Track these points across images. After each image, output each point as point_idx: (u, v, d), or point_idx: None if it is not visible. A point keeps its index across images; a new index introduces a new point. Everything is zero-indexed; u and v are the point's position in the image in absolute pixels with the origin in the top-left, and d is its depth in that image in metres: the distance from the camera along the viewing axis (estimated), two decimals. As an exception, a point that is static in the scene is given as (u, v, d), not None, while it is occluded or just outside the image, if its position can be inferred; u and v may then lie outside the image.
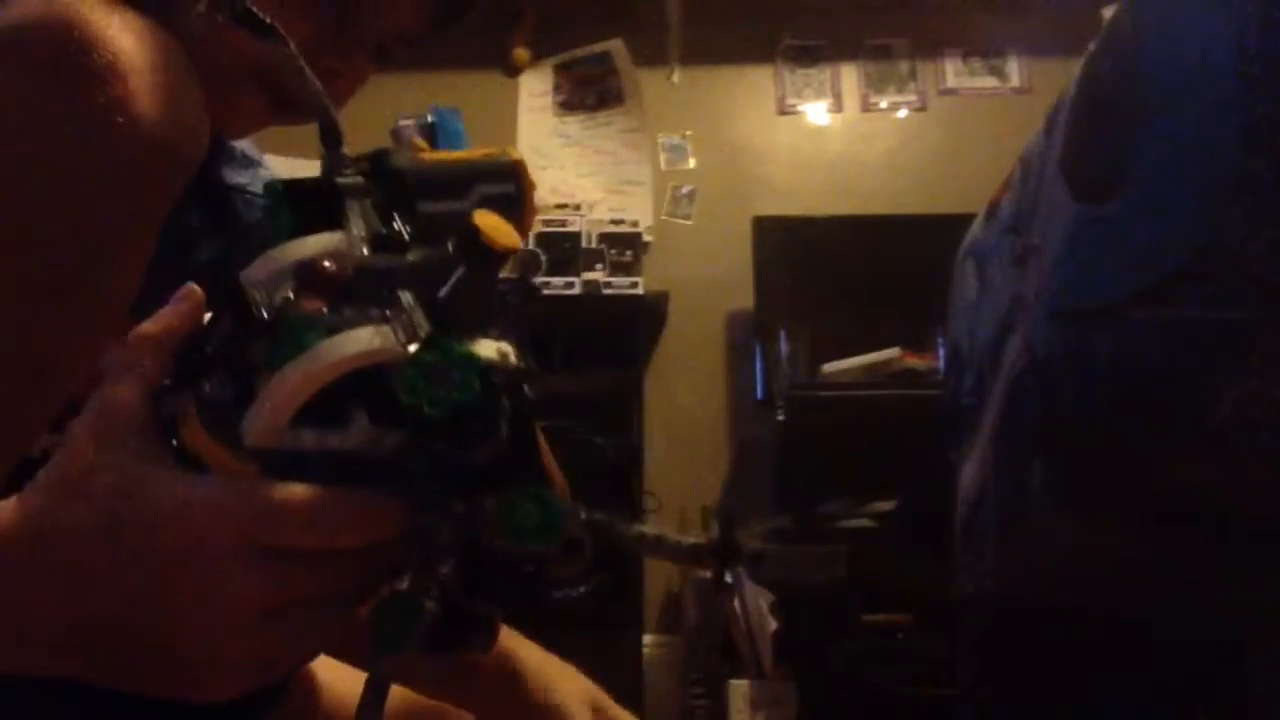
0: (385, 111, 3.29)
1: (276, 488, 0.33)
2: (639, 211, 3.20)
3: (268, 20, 0.38)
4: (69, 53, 0.43)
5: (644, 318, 2.96)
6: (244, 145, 0.73)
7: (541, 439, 0.35)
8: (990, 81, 3.34)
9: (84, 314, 0.48)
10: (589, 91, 3.36)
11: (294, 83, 0.42)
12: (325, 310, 0.34)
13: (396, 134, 3.29)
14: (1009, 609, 0.97)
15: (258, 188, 0.70)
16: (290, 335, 0.33)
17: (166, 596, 0.34)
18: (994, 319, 1.01)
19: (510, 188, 0.42)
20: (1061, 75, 0.90)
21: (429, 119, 3.28)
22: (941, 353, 2.45)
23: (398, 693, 0.71)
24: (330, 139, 0.40)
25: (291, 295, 0.35)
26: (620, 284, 2.92)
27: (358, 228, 0.36)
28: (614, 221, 3.11)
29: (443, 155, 0.53)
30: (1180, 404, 0.66)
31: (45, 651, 0.36)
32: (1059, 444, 0.83)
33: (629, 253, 3.06)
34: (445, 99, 3.31)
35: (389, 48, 0.62)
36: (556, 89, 3.36)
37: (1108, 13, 0.83)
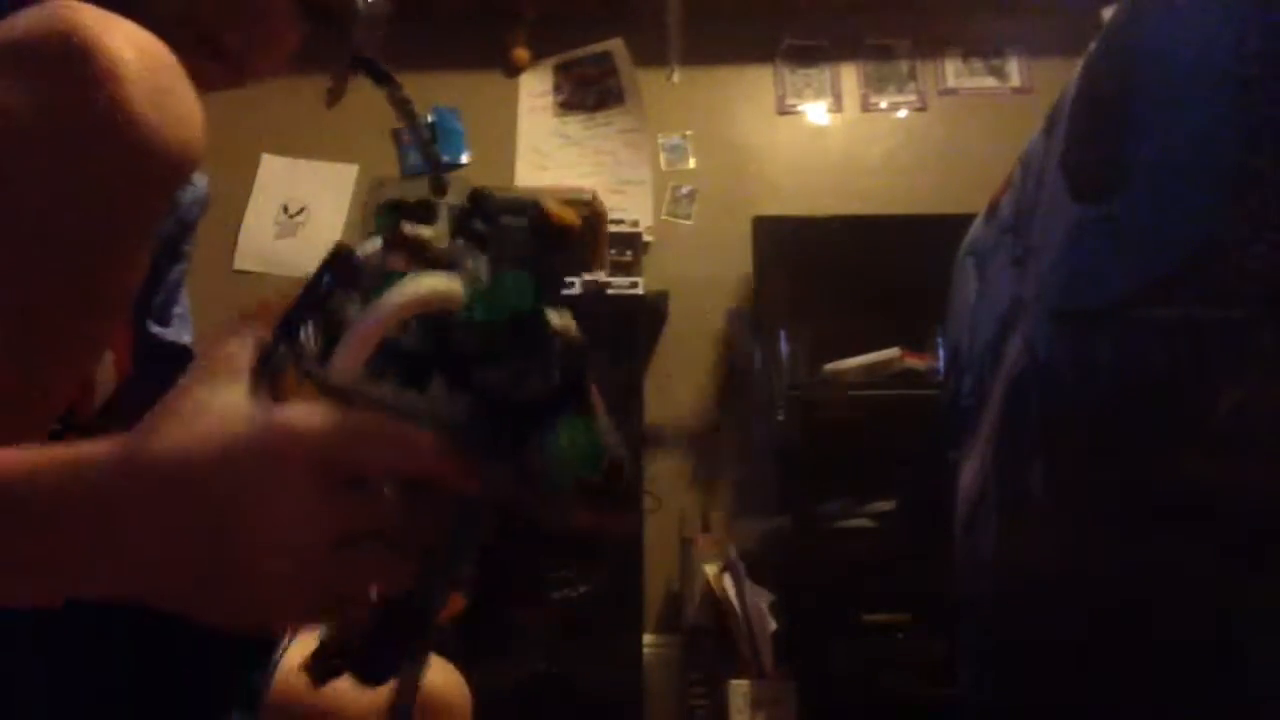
0: (385, 112, 3.29)
1: (349, 413, 0.36)
2: (639, 211, 3.20)
3: (384, 69, 0.42)
4: (71, 60, 0.46)
5: (644, 317, 2.96)
6: None
7: (595, 393, 0.39)
8: (990, 81, 3.33)
9: (85, 304, 0.49)
10: (589, 91, 3.36)
11: (406, 123, 0.47)
12: (409, 267, 0.39)
13: (397, 134, 3.29)
14: (1009, 609, 0.97)
15: (185, 195, 0.72)
16: (375, 285, 0.38)
17: (247, 516, 0.36)
18: (994, 319, 1.01)
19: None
20: (1061, 75, 0.90)
21: (429, 119, 3.28)
22: (941, 353, 2.45)
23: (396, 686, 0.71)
24: (436, 185, 0.48)
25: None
26: (620, 284, 2.91)
27: (444, 224, 0.42)
28: (614, 221, 3.11)
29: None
30: (1180, 404, 0.66)
31: (124, 573, 0.38)
32: (1059, 444, 0.83)
33: (629, 253, 3.06)
34: (445, 99, 3.31)
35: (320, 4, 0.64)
36: (556, 89, 3.36)
37: (1108, 13, 0.83)
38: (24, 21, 0.47)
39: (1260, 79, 0.59)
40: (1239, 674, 0.63)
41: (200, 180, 0.77)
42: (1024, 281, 0.92)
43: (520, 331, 0.37)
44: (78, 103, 0.46)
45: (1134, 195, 0.71)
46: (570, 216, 0.40)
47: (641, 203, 3.25)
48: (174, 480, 0.37)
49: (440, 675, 0.77)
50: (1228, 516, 0.64)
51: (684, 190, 3.28)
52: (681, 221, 3.26)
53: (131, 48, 0.48)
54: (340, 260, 0.39)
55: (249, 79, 0.64)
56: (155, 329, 0.70)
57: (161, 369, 0.60)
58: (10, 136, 0.46)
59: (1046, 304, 0.84)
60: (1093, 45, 0.82)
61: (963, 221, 1.24)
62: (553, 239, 0.40)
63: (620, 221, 3.11)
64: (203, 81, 0.59)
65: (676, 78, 3.36)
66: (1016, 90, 3.30)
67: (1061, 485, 0.83)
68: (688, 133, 3.32)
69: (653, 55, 3.34)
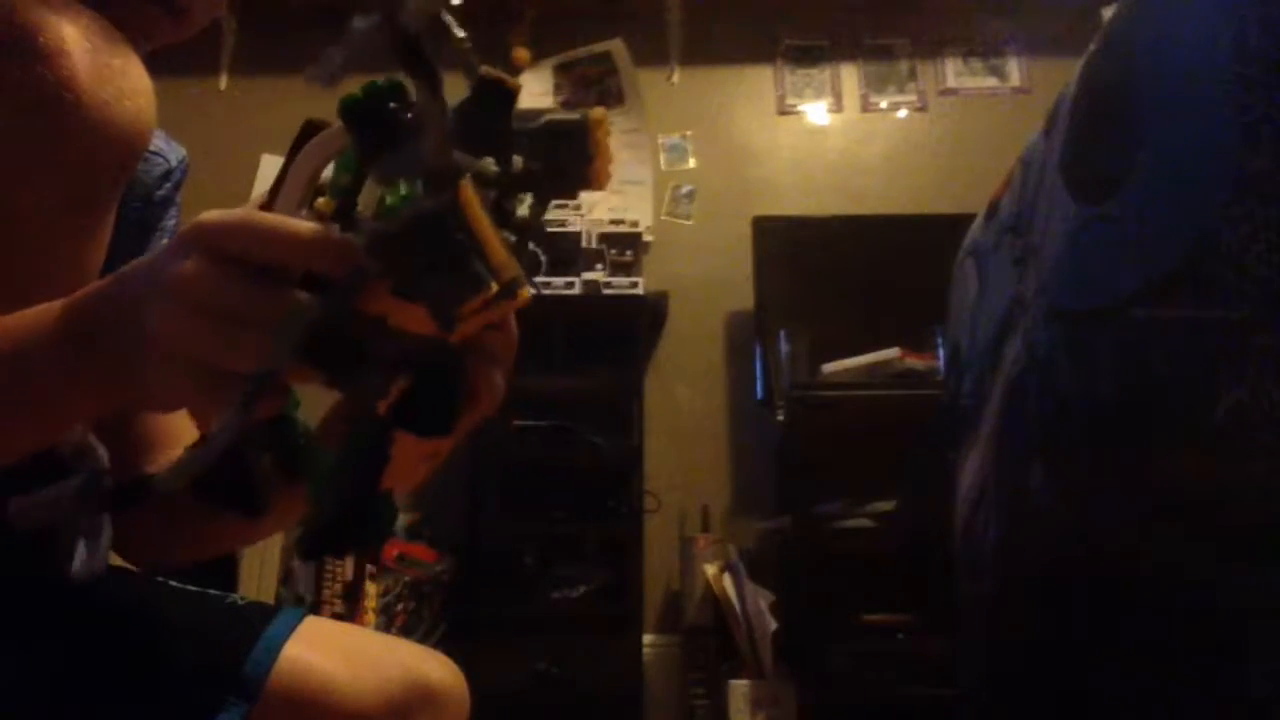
0: (385, 111, 3.29)
1: (250, 210, 0.41)
2: (639, 211, 3.20)
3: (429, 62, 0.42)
4: (16, 41, 0.47)
5: (644, 318, 2.96)
6: None
7: (482, 229, 0.40)
8: (990, 81, 3.34)
9: (44, 281, 0.50)
10: (589, 91, 3.36)
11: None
12: None
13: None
14: (1009, 609, 0.97)
15: (152, 171, 0.74)
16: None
17: (154, 286, 0.40)
18: (994, 319, 1.01)
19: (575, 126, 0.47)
20: (1061, 75, 0.90)
21: (429, 119, 3.28)
22: (941, 353, 2.45)
23: (395, 677, 0.71)
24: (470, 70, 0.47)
25: None
26: (620, 284, 2.92)
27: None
28: (614, 221, 3.11)
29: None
30: (1180, 404, 0.66)
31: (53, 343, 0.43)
32: (1059, 444, 0.83)
33: (629, 253, 3.06)
34: (445, 99, 3.31)
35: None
36: (556, 89, 3.36)
37: (1108, 13, 0.83)
38: None
39: (1260, 79, 0.59)
40: (1239, 674, 0.63)
41: (173, 153, 0.77)
42: (1024, 281, 0.92)
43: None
44: (24, 83, 0.47)
45: (1134, 195, 0.71)
46: (509, 80, 0.44)
47: (641, 203, 3.25)
48: (115, 280, 0.43)
49: (438, 669, 0.77)
50: (1228, 516, 0.64)
51: (684, 190, 3.28)
52: (681, 221, 3.26)
53: (74, 25, 0.49)
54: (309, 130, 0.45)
55: (190, 26, 0.63)
56: None
57: None
58: None
59: (1046, 304, 0.84)
60: (1093, 45, 0.82)
61: (963, 221, 1.24)
62: (487, 97, 0.44)
63: (620, 222, 3.11)
64: (148, 31, 0.60)
65: (676, 78, 3.36)
66: (1016, 90, 3.31)
67: (1061, 485, 0.83)
68: (688, 133, 3.32)
69: (653, 55, 3.34)
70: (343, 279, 0.39)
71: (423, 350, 0.41)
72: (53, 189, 0.49)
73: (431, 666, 0.76)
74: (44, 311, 0.45)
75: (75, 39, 0.48)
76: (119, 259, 0.69)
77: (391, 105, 0.43)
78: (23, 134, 0.48)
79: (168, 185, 0.77)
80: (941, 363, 2.40)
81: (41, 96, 0.47)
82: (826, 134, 3.34)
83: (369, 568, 2.13)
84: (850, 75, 3.36)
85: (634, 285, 2.91)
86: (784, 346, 2.71)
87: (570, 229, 3.05)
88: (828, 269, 2.86)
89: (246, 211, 0.40)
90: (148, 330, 0.40)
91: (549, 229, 3.06)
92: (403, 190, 0.41)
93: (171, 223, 0.79)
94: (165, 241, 0.76)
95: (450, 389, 0.44)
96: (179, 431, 0.75)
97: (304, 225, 0.40)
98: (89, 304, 0.44)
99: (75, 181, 0.50)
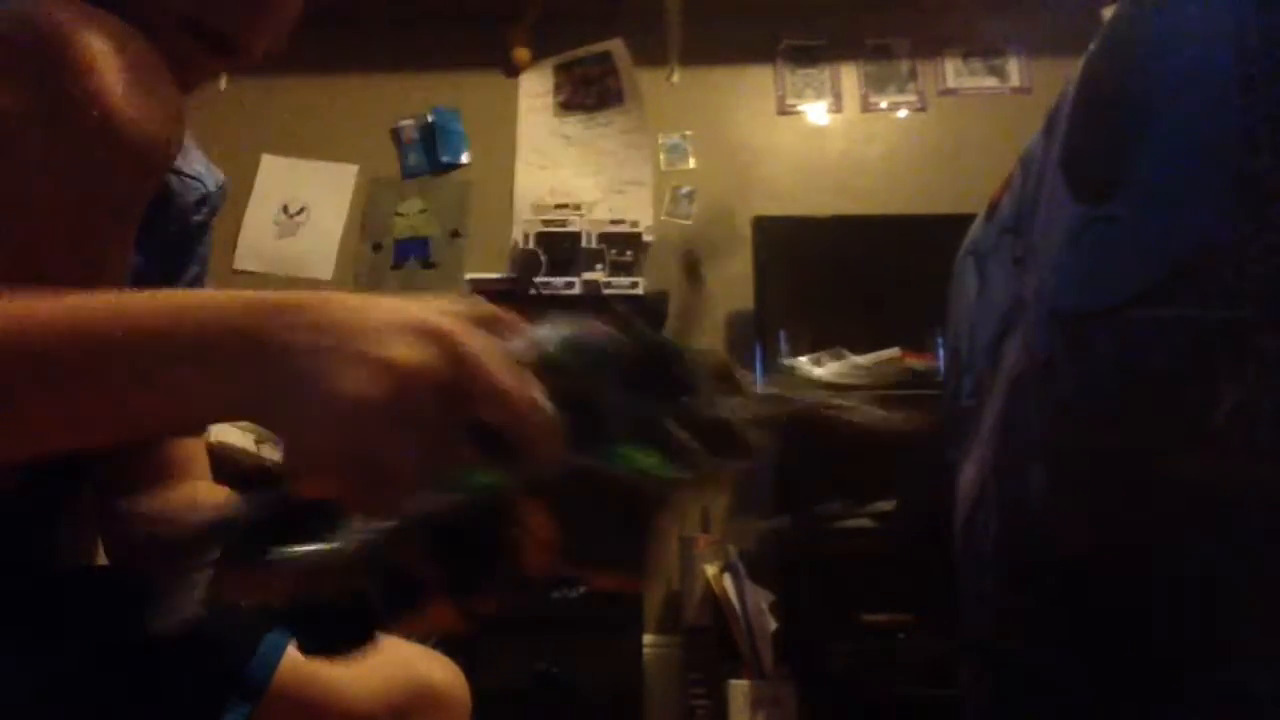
0: (385, 112, 3.30)
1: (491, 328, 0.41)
2: (639, 211, 3.20)
3: None
4: (50, 55, 0.48)
5: (644, 318, 2.96)
6: None
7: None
8: (990, 81, 3.34)
9: (61, 278, 0.50)
10: (589, 91, 3.36)
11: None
12: None
13: (397, 133, 3.29)
14: (1009, 609, 0.97)
15: (188, 168, 0.74)
16: None
17: (354, 341, 0.39)
18: (994, 319, 1.01)
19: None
20: (1061, 75, 0.90)
21: (429, 119, 3.29)
22: (941, 353, 2.45)
23: (398, 678, 0.72)
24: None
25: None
26: (620, 284, 2.92)
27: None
28: (614, 221, 3.11)
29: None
30: (1180, 404, 0.66)
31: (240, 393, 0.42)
32: (1059, 444, 0.83)
33: (629, 253, 3.06)
34: (445, 99, 3.31)
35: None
36: (556, 89, 3.36)
37: (1108, 13, 0.83)
38: (4, 17, 0.49)
39: (1260, 79, 0.59)
40: (1238, 674, 0.63)
41: (211, 179, 0.77)
42: (1024, 281, 0.92)
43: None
44: (57, 97, 0.48)
45: (1134, 195, 0.71)
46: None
47: (641, 203, 3.25)
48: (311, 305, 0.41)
49: (439, 670, 0.77)
50: (1228, 516, 0.64)
51: (684, 190, 3.28)
52: (681, 221, 3.26)
53: (107, 42, 0.49)
54: None
55: (248, 60, 0.64)
56: None
57: None
58: None
59: (1046, 304, 0.84)
60: (1093, 45, 0.82)
61: (963, 221, 1.24)
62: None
63: (620, 222, 3.11)
64: (194, 69, 0.61)
65: (676, 78, 3.36)
66: (1016, 90, 3.31)
67: (1061, 485, 0.83)
68: (688, 133, 3.32)
69: (653, 55, 3.34)
70: (531, 473, 0.38)
71: (529, 582, 0.41)
72: (79, 198, 0.50)
73: (433, 668, 0.76)
74: (207, 297, 0.44)
75: (104, 53, 0.49)
76: (150, 279, 0.71)
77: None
78: (51, 146, 0.48)
79: (204, 210, 0.78)
80: (941, 363, 2.40)
81: (71, 112, 0.48)
82: (826, 134, 3.34)
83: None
84: (850, 75, 3.36)
85: (634, 285, 2.91)
86: (784, 346, 2.71)
87: (570, 229, 3.05)
88: (828, 269, 2.86)
89: (497, 356, 0.39)
90: (341, 389, 0.38)
91: (549, 229, 3.06)
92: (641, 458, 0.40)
93: (205, 250, 0.80)
94: (197, 270, 0.77)
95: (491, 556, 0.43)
96: (194, 465, 0.76)
97: (547, 413, 0.40)
98: (284, 314, 0.41)
99: (100, 191, 0.51)
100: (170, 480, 0.75)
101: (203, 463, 0.78)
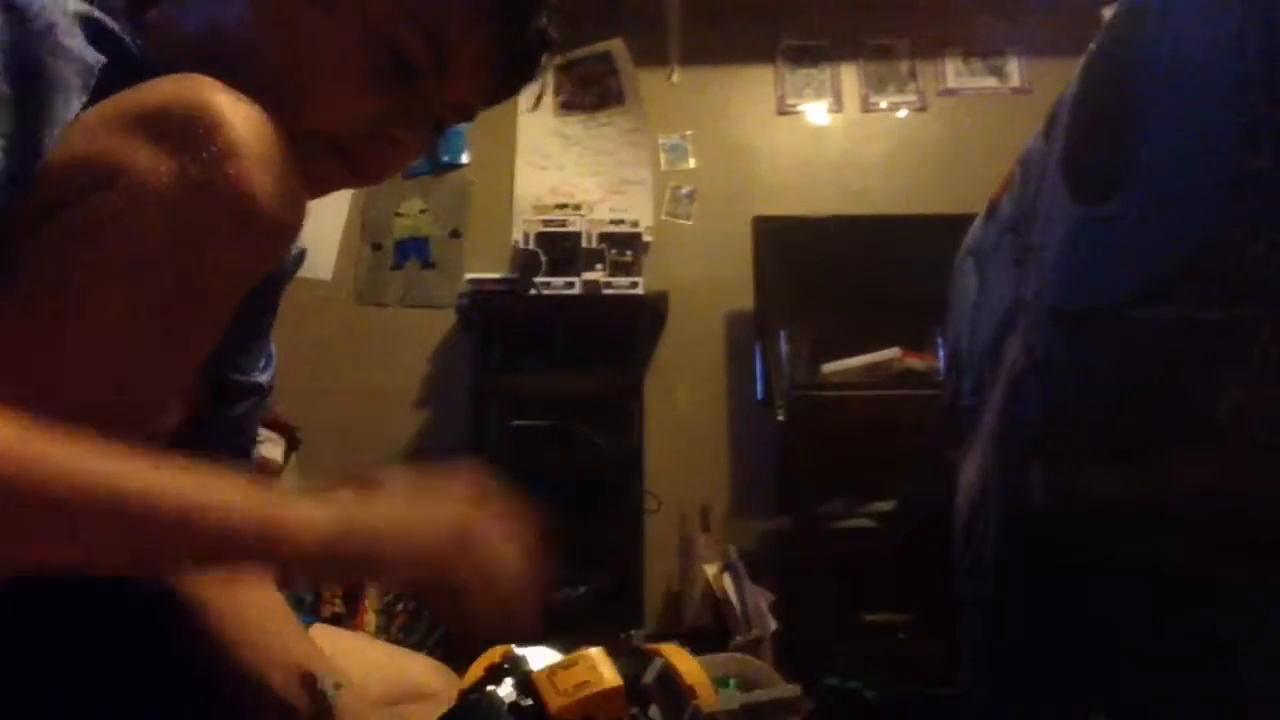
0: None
1: None
2: (639, 211, 3.20)
3: None
4: (199, 134, 0.52)
5: (644, 318, 2.96)
6: None
7: None
8: (990, 81, 3.33)
9: (180, 349, 0.57)
10: (589, 91, 3.36)
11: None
12: None
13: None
14: (1009, 609, 0.97)
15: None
16: None
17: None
18: (994, 319, 1.01)
19: None
20: (1061, 75, 0.90)
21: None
22: (941, 353, 2.45)
23: (397, 682, 0.73)
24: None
25: None
26: (620, 284, 2.92)
27: None
28: (614, 221, 3.11)
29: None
30: (1180, 404, 0.66)
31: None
32: (1059, 444, 0.83)
33: (629, 253, 3.06)
34: (445, 99, 3.31)
35: (447, 119, 0.69)
36: (557, 89, 3.36)
37: (1108, 13, 0.83)
38: (162, 90, 0.53)
39: (1260, 79, 0.59)
40: (1237, 674, 0.63)
41: (295, 247, 0.80)
42: (1024, 281, 0.92)
43: None
44: (200, 175, 0.51)
45: (1134, 195, 0.71)
46: None
47: (641, 203, 3.25)
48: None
49: (416, 665, 0.79)
50: (1227, 516, 0.64)
51: (684, 190, 3.28)
52: (681, 221, 3.26)
53: (253, 131, 0.53)
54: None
55: (367, 182, 0.69)
56: (236, 377, 0.75)
57: (235, 407, 0.73)
58: (137, 192, 0.51)
59: (1046, 304, 0.84)
60: (1093, 45, 0.82)
61: (963, 221, 1.24)
62: None
63: (620, 222, 3.11)
64: (321, 180, 0.64)
65: (676, 78, 3.36)
66: (1016, 90, 3.30)
67: (1061, 485, 0.83)
68: (688, 133, 3.32)
69: (653, 55, 3.34)
70: None
71: None
72: (204, 271, 0.54)
73: (434, 678, 0.77)
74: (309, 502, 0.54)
75: (249, 143, 0.53)
76: (236, 337, 0.74)
77: None
78: (193, 221, 0.52)
79: (290, 267, 0.82)
80: (941, 363, 2.40)
81: (212, 191, 0.52)
82: (826, 134, 3.34)
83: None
84: (850, 75, 3.36)
85: (634, 285, 2.91)
86: (784, 346, 2.71)
87: (570, 229, 3.05)
88: (828, 269, 2.86)
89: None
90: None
91: (549, 229, 3.06)
92: None
93: (279, 299, 0.83)
94: (270, 349, 0.83)
95: None
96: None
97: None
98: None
99: (225, 267, 0.55)
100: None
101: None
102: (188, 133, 0.51)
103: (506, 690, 0.50)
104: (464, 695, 0.50)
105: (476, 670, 0.52)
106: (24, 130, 0.49)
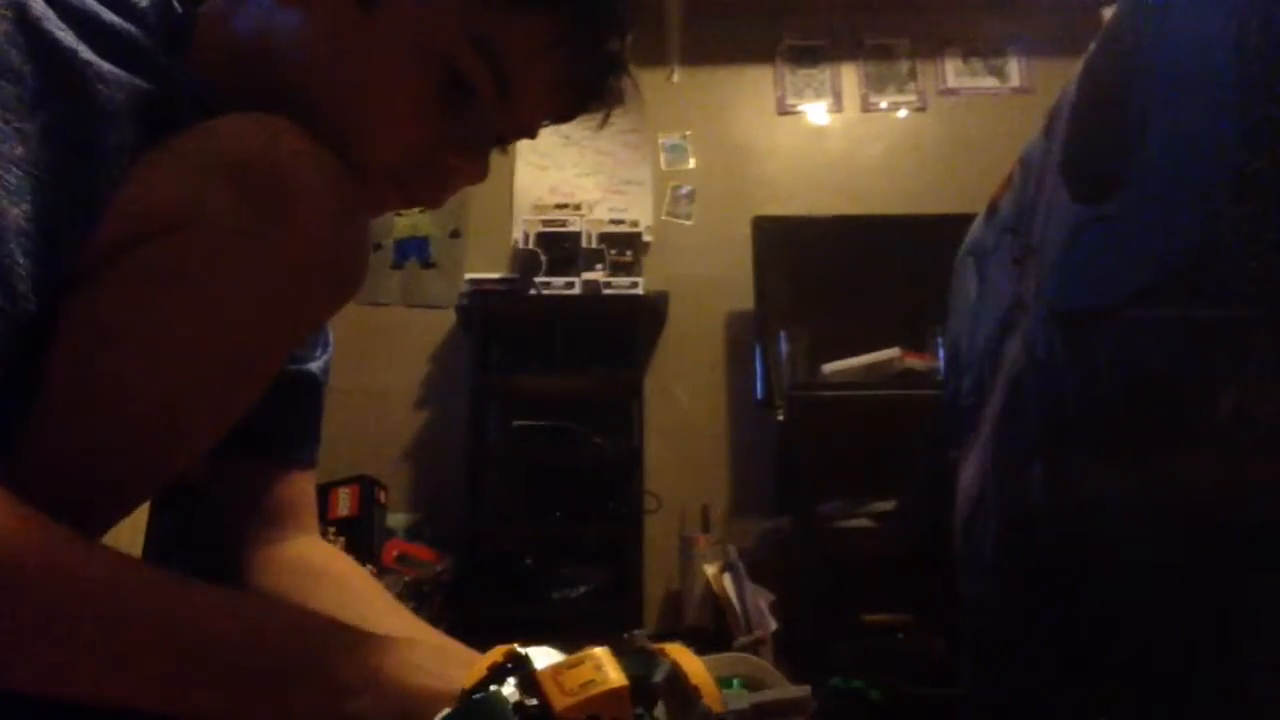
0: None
1: None
2: (639, 211, 3.20)
3: None
4: (281, 189, 0.52)
5: (644, 318, 2.96)
6: None
7: None
8: (990, 81, 3.34)
9: (245, 389, 0.58)
10: (589, 91, 3.36)
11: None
12: None
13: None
14: (1009, 609, 0.97)
15: None
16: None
17: None
18: (994, 319, 1.01)
19: None
20: (1061, 75, 0.90)
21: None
22: (941, 353, 2.45)
23: None
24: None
25: None
26: (620, 284, 2.92)
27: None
28: (614, 221, 3.11)
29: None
30: (1180, 404, 0.66)
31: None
32: (1059, 444, 0.83)
33: (629, 253, 3.06)
34: None
35: (508, 138, 0.66)
36: (556, 89, 3.36)
37: (1108, 13, 0.83)
38: (243, 136, 0.53)
39: (1260, 79, 0.59)
40: (1239, 674, 0.63)
41: None
42: (1024, 281, 0.92)
43: None
44: (274, 221, 0.52)
45: (1134, 195, 0.71)
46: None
47: (641, 203, 3.25)
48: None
49: None
50: (1228, 516, 0.64)
51: (684, 190, 3.28)
52: (681, 221, 3.26)
53: (327, 182, 0.54)
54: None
55: (419, 205, 0.68)
56: (289, 367, 0.77)
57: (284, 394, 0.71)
58: (220, 240, 0.52)
59: (1046, 304, 0.84)
60: (1093, 45, 0.82)
61: (963, 221, 1.24)
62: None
63: (620, 222, 3.11)
64: (378, 204, 0.64)
65: (676, 78, 3.36)
66: (1016, 90, 3.31)
67: (1061, 485, 0.83)
68: (688, 133, 3.33)
69: (653, 55, 3.34)
70: None
71: None
72: (267, 317, 0.54)
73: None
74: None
75: (322, 194, 0.53)
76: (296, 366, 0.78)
77: None
78: (263, 277, 0.53)
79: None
80: (941, 363, 2.40)
81: (285, 251, 0.52)
82: (826, 134, 3.34)
83: (369, 568, 2.13)
84: (850, 75, 3.36)
85: (634, 285, 2.91)
86: (784, 346, 2.71)
87: (570, 229, 3.05)
88: (828, 269, 2.86)
89: None
90: None
91: (549, 229, 3.06)
92: None
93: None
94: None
95: None
96: (303, 511, 0.79)
97: None
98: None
99: (292, 317, 0.56)
100: (280, 528, 0.77)
101: (311, 504, 0.81)
102: (270, 186, 0.52)
103: (510, 690, 0.49)
104: (467, 694, 0.49)
105: (479, 669, 0.51)
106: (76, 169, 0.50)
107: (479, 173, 0.64)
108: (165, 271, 0.52)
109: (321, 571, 0.76)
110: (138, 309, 0.52)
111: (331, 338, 0.84)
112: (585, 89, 0.65)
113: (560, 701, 0.46)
